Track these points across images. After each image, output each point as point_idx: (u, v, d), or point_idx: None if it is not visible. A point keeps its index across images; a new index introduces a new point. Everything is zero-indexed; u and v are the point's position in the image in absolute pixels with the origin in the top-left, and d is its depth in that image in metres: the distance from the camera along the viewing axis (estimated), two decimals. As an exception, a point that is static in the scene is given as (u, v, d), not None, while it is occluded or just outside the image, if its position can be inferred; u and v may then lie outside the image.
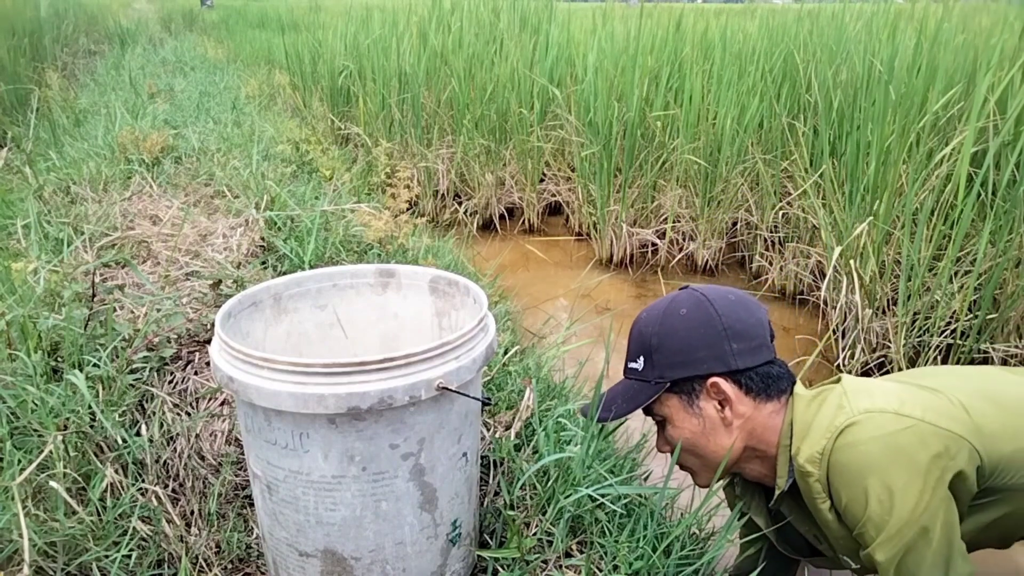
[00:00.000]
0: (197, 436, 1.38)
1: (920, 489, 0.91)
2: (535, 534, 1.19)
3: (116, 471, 1.23)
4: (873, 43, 3.42)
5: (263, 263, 1.96)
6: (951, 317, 2.76)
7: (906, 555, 0.93)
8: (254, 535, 1.25)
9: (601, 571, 1.14)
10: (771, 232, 3.91)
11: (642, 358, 1.12)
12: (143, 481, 1.26)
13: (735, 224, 4.22)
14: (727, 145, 3.84)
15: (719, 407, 1.08)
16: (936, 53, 3.21)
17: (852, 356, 2.91)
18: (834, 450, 0.96)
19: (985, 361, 2.84)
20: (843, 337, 2.97)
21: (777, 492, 1.08)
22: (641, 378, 1.12)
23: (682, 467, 1.19)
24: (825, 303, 3.20)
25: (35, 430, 1.17)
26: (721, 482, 1.16)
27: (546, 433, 1.37)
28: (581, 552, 1.18)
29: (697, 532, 1.39)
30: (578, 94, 4.48)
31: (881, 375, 2.98)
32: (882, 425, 0.95)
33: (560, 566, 1.15)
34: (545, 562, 1.16)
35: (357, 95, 5.19)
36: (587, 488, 1.17)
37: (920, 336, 2.77)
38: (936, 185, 2.87)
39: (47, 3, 7.86)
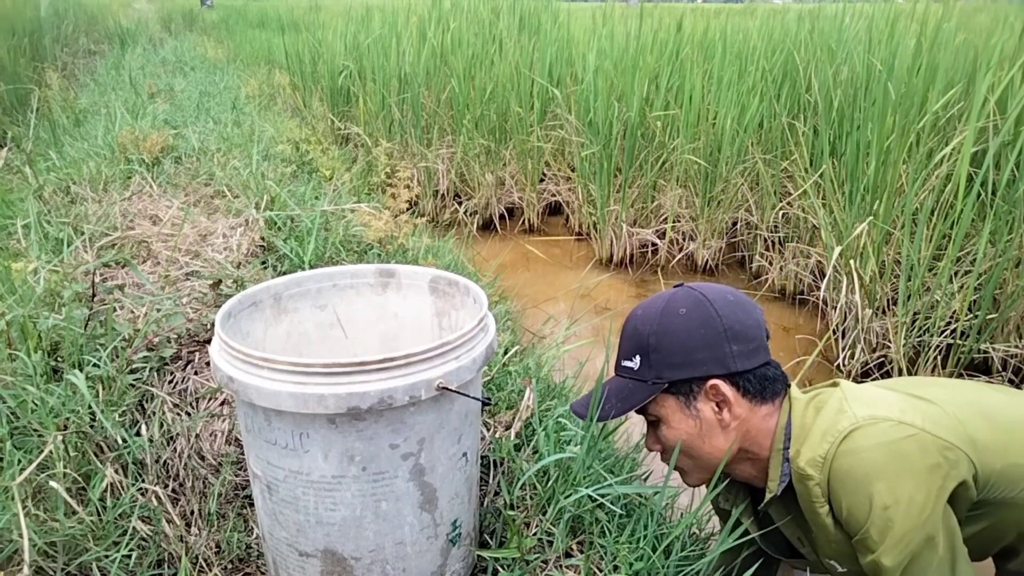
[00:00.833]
0: (197, 436, 1.38)
1: (924, 497, 0.92)
2: (535, 534, 1.19)
3: (116, 471, 1.23)
4: (873, 43, 3.42)
5: (263, 263, 1.96)
6: (951, 317, 2.76)
7: (912, 562, 0.93)
8: (254, 535, 1.25)
9: (601, 571, 1.14)
10: (771, 232, 3.91)
11: (638, 357, 1.09)
12: (143, 481, 1.26)
13: (735, 224, 4.22)
14: (727, 145, 3.84)
15: (717, 409, 1.07)
16: (936, 53, 3.21)
17: (852, 356, 2.91)
18: (837, 455, 0.96)
19: (985, 361, 2.84)
20: (843, 337, 2.97)
21: (768, 495, 1.07)
22: (637, 377, 1.09)
23: (676, 467, 1.18)
24: (825, 303, 3.20)
25: (35, 430, 1.17)
26: (719, 488, 1.14)
27: (546, 433, 1.37)
28: (581, 552, 1.18)
29: (697, 532, 1.39)
30: (578, 94, 4.48)
31: (881, 375, 2.98)
32: (885, 432, 0.95)
33: (560, 566, 1.15)
34: (545, 562, 1.16)
35: (357, 95, 5.19)
36: (587, 488, 1.17)
37: (920, 336, 2.77)
38: (936, 185, 2.87)
39: (47, 3, 7.86)
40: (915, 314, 2.79)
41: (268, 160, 3.04)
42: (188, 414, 1.41)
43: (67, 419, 1.20)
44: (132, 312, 1.56)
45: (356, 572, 0.99)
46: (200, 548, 1.20)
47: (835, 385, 1.08)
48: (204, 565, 1.19)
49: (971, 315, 2.72)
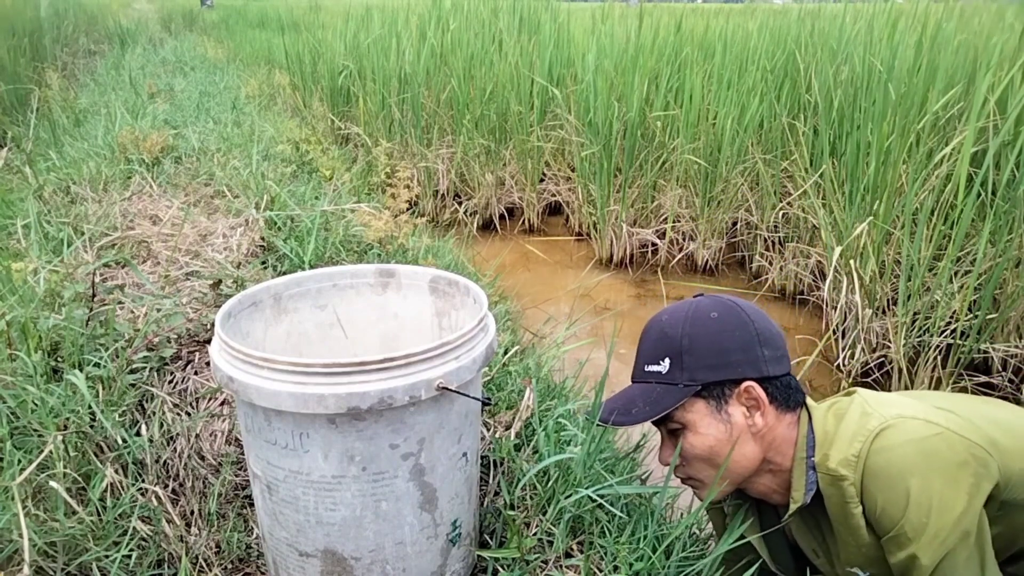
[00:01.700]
0: (197, 436, 1.38)
1: (956, 493, 0.92)
2: (535, 534, 1.19)
3: (116, 471, 1.23)
4: (873, 43, 3.42)
5: (263, 263, 1.96)
6: (951, 317, 2.76)
7: (945, 559, 0.93)
8: (254, 535, 1.25)
9: (601, 571, 1.14)
10: (771, 232, 3.91)
11: (668, 360, 1.07)
12: (143, 481, 1.26)
13: (735, 224, 4.22)
14: (727, 145, 3.84)
15: (747, 413, 1.06)
16: (936, 53, 3.22)
17: (852, 356, 2.91)
18: (870, 453, 0.96)
19: (985, 361, 2.84)
20: (843, 337, 2.97)
21: (794, 506, 1.06)
22: (666, 381, 1.07)
23: (688, 479, 1.14)
24: (825, 303, 3.20)
25: (35, 430, 1.17)
26: (726, 490, 1.13)
27: (546, 433, 1.37)
28: (581, 552, 1.18)
29: (698, 532, 1.39)
30: (578, 94, 4.48)
31: (881, 375, 2.98)
32: (916, 429, 0.96)
33: (560, 566, 1.15)
34: (545, 562, 1.16)
35: (357, 95, 5.20)
36: (587, 488, 1.17)
37: (920, 336, 2.77)
38: (936, 185, 2.87)
39: (47, 3, 7.86)
40: (915, 314, 2.79)
41: (268, 160, 3.04)
42: (188, 414, 1.41)
43: (67, 419, 1.20)
44: (132, 312, 1.56)
45: (356, 572, 0.99)
46: (200, 548, 1.20)
47: (851, 394, 1.08)
48: (204, 565, 1.19)
49: (971, 315, 2.72)
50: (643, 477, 1.57)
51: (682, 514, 1.38)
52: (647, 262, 4.21)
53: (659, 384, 1.08)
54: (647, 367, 1.10)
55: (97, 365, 1.29)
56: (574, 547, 1.20)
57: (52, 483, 1.08)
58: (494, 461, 1.38)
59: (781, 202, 3.80)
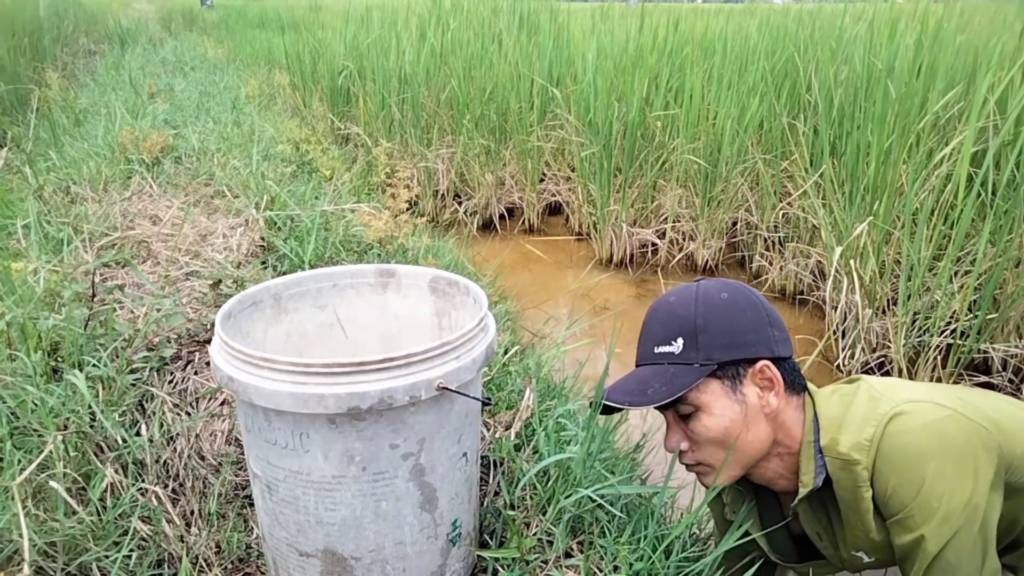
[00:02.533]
0: (197, 436, 1.38)
1: (968, 477, 0.93)
2: (535, 534, 1.19)
3: (116, 471, 1.23)
4: (874, 43, 3.42)
5: (263, 263, 1.96)
6: (951, 317, 2.76)
7: (952, 539, 0.94)
8: (254, 535, 1.25)
9: (601, 571, 1.14)
10: (771, 232, 3.91)
11: (681, 340, 1.04)
12: (143, 481, 1.26)
13: (735, 224, 4.22)
14: (727, 145, 3.84)
15: (761, 394, 1.05)
16: (936, 53, 3.22)
17: (852, 356, 2.91)
18: (884, 436, 0.96)
19: (985, 361, 2.84)
20: (843, 337, 2.97)
21: (804, 490, 1.05)
22: (680, 361, 1.04)
23: (696, 464, 1.11)
24: (825, 303, 3.20)
25: (35, 430, 1.17)
26: (734, 474, 1.10)
27: (546, 433, 1.37)
28: (581, 552, 1.18)
29: (698, 532, 1.39)
30: (578, 94, 4.48)
31: (881, 375, 2.98)
32: (928, 412, 0.96)
33: (560, 566, 1.15)
34: (545, 562, 1.16)
35: (357, 95, 5.20)
36: (587, 488, 1.17)
37: (920, 336, 2.77)
38: (936, 185, 2.87)
39: (47, 3, 7.86)
40: (915, 314, 2.79)
41: (268, 160, 3.04)
42: (188, 414, 1.41)
43: (67, 419, 1.20)
44: (132, 312, 1.56)
45: (356, 572, 0.99)
46: (200, 548, 1.20)
47: (854, 381, 1.08)
48: (204, 565, 1.19)
49: (971, 315, 2.72)
50: (643, 477, 1.57)
51: (682, 514, 1.38)
52: (647, 262, 4.21)
53: (672, 365, 1.05)
54: (657, 348, 1.07)
55: (97, 365, 1.29)
56: (574, 547, 1.20)
57: (52, 483, 1.08)
58: (494, 461, 1.38)
59: (781, 202, 3.80)
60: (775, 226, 3.90)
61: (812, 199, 3.38)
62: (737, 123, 3.82)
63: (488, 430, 1.48)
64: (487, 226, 4.81)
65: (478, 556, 1.14)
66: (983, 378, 2.75)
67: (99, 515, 1.14)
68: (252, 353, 0.89)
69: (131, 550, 1.12)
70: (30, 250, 1.79)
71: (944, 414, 0.96)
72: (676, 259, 4.11)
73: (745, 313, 1.05)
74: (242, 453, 1.37)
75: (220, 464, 1.36)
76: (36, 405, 1.17)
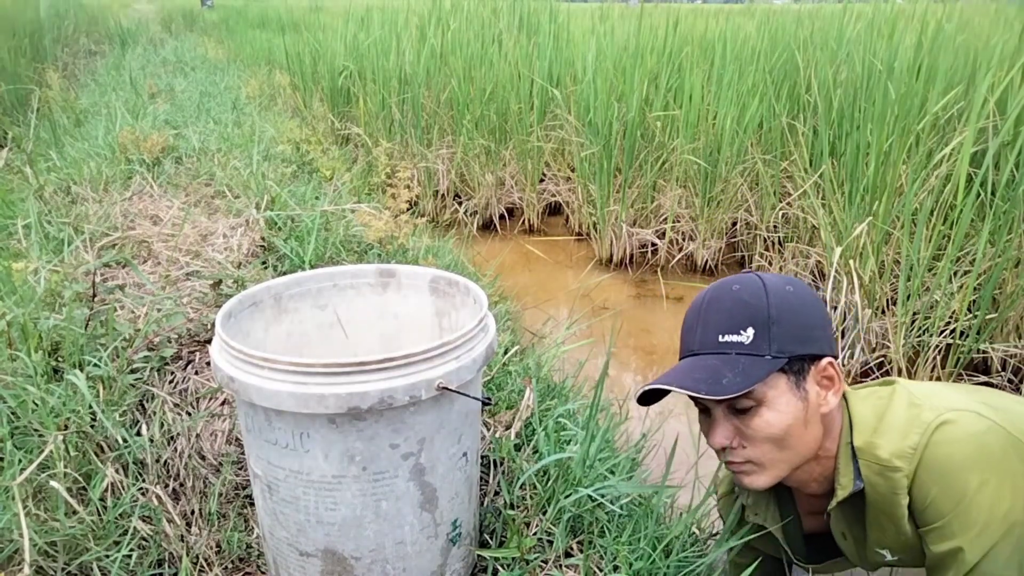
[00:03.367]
0: (197, 436, 1.38)
1: (1008, 489, 0.93)
2: (535, 534, 1.19)
3: (116, 471, 1.23)
4: (873, 43, 3.42)
5: (263, 263, 1.97)
6: (951, 317, 2.76)
7: (990, 551, 0.93)
8: (254, 535, 1.25)
9: (601, 571, 1.14)
10: (771, 232, 3.91)
11: (752, 330, 0.99)
12: (143, 481, 1.26)
13: (735, 224, 4.22)
14: (727, 145, 3.84)
15: (820, 392, 1.02)
16: (936, 54, 3.22)
17: (852, 356, 2.91)
18: (930, 445, 0.95)
19: (984, 361, 2.84)
20: (843, 337, 2.97)
21: (843, 493, 1.03)
22: (751, 352, 0.99)
23: (745, 463, 1.05)
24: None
25: (36, 430, 1.18)
26: (780, 475, 1.05)
27: (546, 433, 1.38)
28: (581, 552, 1.18)
29: (697, 532, 1.39)
30: (578, 94, 4.48)
31: (881, 375, 2.98)
32: (973, 423, 0.95)
33: (560, 566, 1.15)
34: (545, 562, 1.16)
35: (357, 95, 5.20)
36: (587, 488, 1.17)
37: (920, 336, 2.77)
38: (936, 185, 2.88)
39: (47, 3, 7.87)
40: (915, 314, 2.79)
41: (268, 160, 3.04)
42: (188, 414, 1.41)
43: (67, 419, 1.20)
44: (132, 312, 1.56)
45: (356, 572, 0.99)
46: (201, 548, 1.20)
47: (889, 383, 1.07)
48: (204, 565, 1.19)
49: (970, 315, 2.72)
50: (643, 476, 1.57)
51: (682, 514, 1.38)
52: (647, 262, 4.21)
53: (741, 355, 0.99)
54: (723, 337, 1.01)
55: (97, 365, 1.29)
56: (574, 547, 1.20)
57: (52, 483, 1.09)
58: (494, 461, 1.38)
59: (781, 202, 3.80)
60: (775, 226, 3.90)
61: (812, 199, 3.38)
62: (737, 123, 3.82)
63: (488, 430, 1.48)
64: (487, 226, 4.82)
65: (478, 556, 1.15)
66: (983, 378, 2.75)
67: (99, 515, 1.14)
68: (253, 353, 0.89)
69: (131, 550, 1.12)
70: (31, 250, 1.80)
71: (986, 425, 0.95)
72: (676, 259, 4.11)
73: (813, 308, 1.03)
74: (242, 453, 1.37)
75: (220, 464, 1.36)
76: (37, 405, 1.18)
